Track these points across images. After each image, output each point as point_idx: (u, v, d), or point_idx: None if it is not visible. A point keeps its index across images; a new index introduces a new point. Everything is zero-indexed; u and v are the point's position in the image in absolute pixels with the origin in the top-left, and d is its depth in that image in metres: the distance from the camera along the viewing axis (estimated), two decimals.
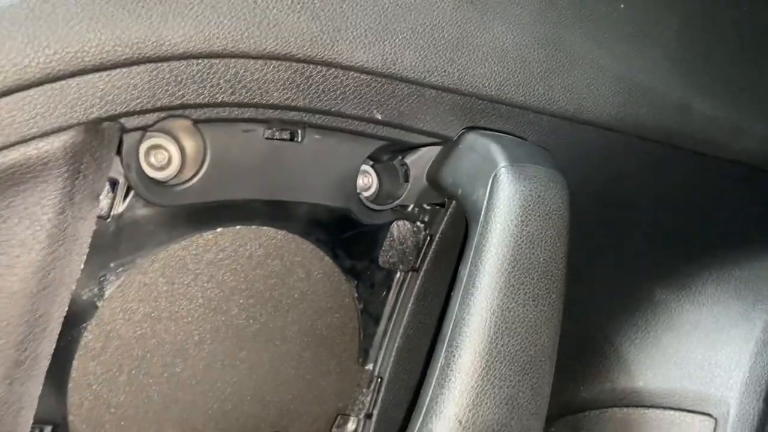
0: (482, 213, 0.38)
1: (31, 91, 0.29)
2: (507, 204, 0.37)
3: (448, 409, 0.35)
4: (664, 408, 0.50)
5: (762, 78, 0.54)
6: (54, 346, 0.34)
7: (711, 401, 0.48)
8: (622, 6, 0.46)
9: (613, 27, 0.46)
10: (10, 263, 0.31)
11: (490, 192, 0.38)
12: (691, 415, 0.48)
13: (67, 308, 0.34)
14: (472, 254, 0.37)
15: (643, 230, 0.54)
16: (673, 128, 0.48)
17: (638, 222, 0.54)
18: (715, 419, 0.47)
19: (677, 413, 0.49)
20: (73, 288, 0.34)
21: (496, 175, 0.38)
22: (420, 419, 0.36)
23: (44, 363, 0.33)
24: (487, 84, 0.41)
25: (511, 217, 0.37)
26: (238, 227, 0.40)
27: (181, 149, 0.36)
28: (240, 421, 0.43)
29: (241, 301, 0.41)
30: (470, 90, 0.41)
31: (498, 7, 0.42)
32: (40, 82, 0.29)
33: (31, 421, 0.34)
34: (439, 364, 0.36)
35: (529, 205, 0.38)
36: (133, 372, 0.38)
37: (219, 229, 0.40)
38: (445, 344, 0.36)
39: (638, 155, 0.49)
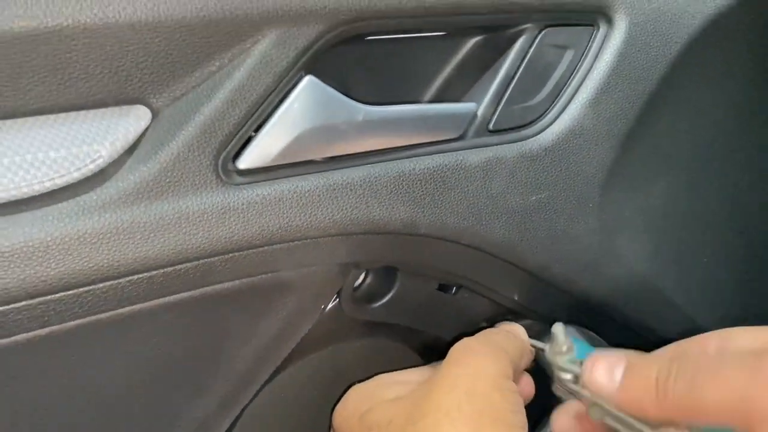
0: None
1: (323, 239, 0.40)
2: None
3: None
4: None
5: None
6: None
7: None
8: None
9: None
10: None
11: None
12: None
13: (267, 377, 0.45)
14: None
15: None
16: None
17: None
18: None
19: None
20: (278, 363, 0.44)
21: None
22: None
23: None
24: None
25: None
26: (384, 340, 0.51)
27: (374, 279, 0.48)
28: None
29: None
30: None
31: None
32: (326, 236, 0.40)
33: None
34: None
35: None
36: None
37: (359, 342, 0.51)
38: None
39: None
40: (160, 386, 0.41)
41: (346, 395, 0.42)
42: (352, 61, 0.43)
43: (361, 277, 0.48)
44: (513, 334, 0.46)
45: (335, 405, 0.43)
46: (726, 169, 0.59)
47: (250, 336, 0.42)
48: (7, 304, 0.31)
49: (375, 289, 0.48)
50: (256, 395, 0.46)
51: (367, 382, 0.43)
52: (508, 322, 0.50)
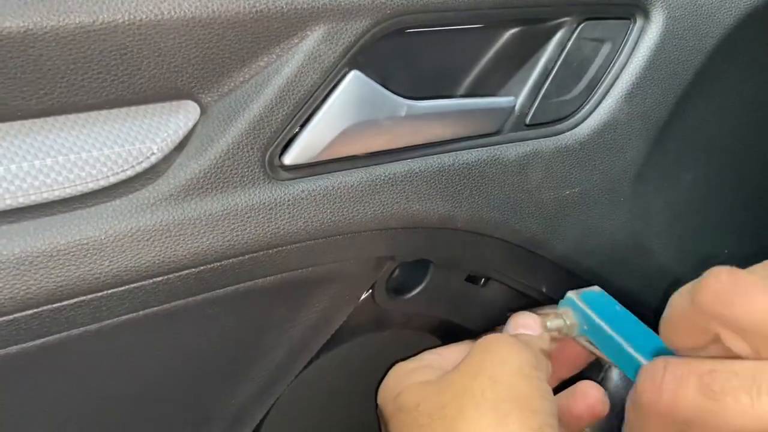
0: None
1: (363, 233, 0.40)
2: None
3: None
4: None
5: None
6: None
7: None
8: None
9: None
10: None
11: None
12: None
13: (302, 366, 0.45)
14: None
15: None
16: None
17: None
18: None
19: None
20: (313, 353, 0.45)
21: None
22: None
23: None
24: None
25: None
26: (412, 330, 0.51)
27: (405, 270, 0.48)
28: None
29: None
30: None
31: None
32: (366, 230, 0.40)
33: None
34: None
35: None
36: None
37: (387, 332, 0.51)
38: None
39: None
40: (201, 375, 0.41)
41: (388, 374, 0.43)
42: (390, 54, 0.42)
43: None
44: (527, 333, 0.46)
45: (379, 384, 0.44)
46: (753, 164, 0.59)
47: (289, 327, 0.42)
48: (61, 301, 0.31)
49: (407, 280, 0.48)
50: (289, 384, 0.47)
51: (408, 361, 0.44)
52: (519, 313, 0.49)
